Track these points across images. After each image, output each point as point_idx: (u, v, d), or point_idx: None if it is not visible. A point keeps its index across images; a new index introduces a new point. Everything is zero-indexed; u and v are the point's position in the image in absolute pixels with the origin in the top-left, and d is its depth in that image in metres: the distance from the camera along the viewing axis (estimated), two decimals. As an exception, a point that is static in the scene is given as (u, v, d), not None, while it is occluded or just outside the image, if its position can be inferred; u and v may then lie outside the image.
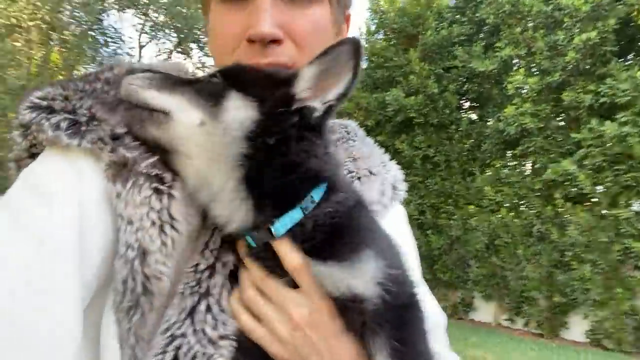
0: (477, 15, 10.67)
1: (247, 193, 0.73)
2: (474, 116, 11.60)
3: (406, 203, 1.14)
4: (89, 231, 0.72)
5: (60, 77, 9.78)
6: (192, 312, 0.75)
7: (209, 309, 0.76)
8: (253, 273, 0.78)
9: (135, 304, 0.73)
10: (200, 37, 10.09)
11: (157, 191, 0.74)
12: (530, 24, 9.42)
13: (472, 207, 10.52)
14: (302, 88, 0.75)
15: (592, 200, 8.94)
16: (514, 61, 9.90)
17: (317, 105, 0.75)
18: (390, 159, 1.13)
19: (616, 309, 8.26)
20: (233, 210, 0.75)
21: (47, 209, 0.70)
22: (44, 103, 0.76)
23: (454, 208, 10.73)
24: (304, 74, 0.76)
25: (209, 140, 0.73)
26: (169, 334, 0.73)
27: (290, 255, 0.75)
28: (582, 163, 8.65)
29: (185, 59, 10.61)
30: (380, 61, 12.01)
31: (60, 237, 0.69)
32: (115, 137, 0.75)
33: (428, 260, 10.88)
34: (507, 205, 9.96)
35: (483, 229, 9.97)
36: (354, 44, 0.75)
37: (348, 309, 0.74)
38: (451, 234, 10.50)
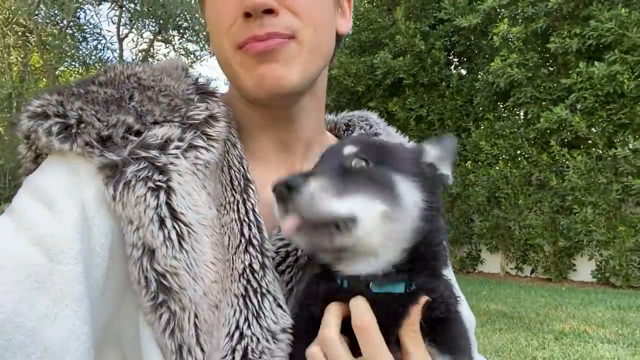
0: (457, -31, 10.46)
1: (403, 259, 0.73)
2: (463, 72, 11.51)
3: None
4: (94, 232, 0.72)
5: (44, 80, 9.67)
6: (259, 310, 0.76)
7: (270, 306, 0.77)
8: (326, 327, 0.72)
9: (155, 303, 0.73)
10: (180, 23, 9.91)
11: (152, 189, 0.73)
12: (511, -28, 9.26)
13: (469, 162, 10.58)
14: (429, 162, 0.81)
15: (588, 142, 8.98)
16: (498, 12, 9.74)
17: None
18: (387, 124, 1.11)
19: (621, 246, 8.39)
20: (381, 269, 0.73)
21: (51, 213, 0.70)
22: (39, 110, 0.75)
23: (452, 166, 10.77)
24: (430, 152, 0.82)
25: (391, 226, 0.71)
26: (237, 333, 0.74)
27: (361, 309, 0.70)
28: (574, 107, 8.65)
29: (167, 47, 10.44)
30: (365, 24, 11.84)
31: (67, 239, 0.68)
32: (102, 140, 0.74)
33: (432, 219, 11.01)
34: (504, 157, 10.01)
35: (482, 183, 10.04)
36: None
37: None
38: (452, 191, 10.58)
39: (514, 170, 9.69)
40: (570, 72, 8.57)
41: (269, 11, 0.79)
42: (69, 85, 0.81)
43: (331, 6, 0.91)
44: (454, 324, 0.76)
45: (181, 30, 9.94)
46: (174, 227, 0.73)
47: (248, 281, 0.78)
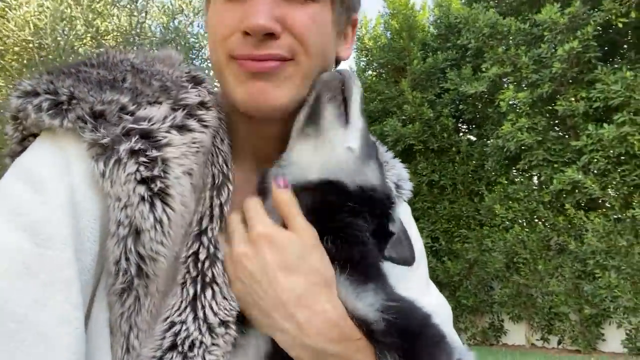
0: (459, 41, 10.88)
1: None
2: (472, 138, 11.63)
3: (419, 231, 1.13)
4: (84, 215, 0.69)
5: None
6: (194, 300, 0.74)
7: (213, 296, 0.75)
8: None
9: (128, 287, 0.71)
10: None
11: (144, 165, 0.71)
12: (512, 42, 9.58)
13: (485, 227, 10.38)
14: None
15: (605, 204, 8.80)
16: (503, 80, 9.99)
17: None
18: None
19: (651, 312, 7.96)
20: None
21: (39, 196, 0.68)
22: (29, 88, 0.74)
23: (466, 231, 10.59)
24: None
25: None
26: (168, 320, 0.72)
27: (279, 190, 0.79)
28: (587, 169, 8.57)
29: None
30: (373, 95, 12.19)
31: (55, 223, 0.67)
32: (95, 115, 0.72)
33: (449, 287, 10.64)
34: (520, 221, 9.82)
35: (499, 248, 9.77)
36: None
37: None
38: (468, 257, 10.31)
39: (531, 235, 9.45)
40: (580, 134, 8.59)
41: (270, 34, 0.80)
42: (62, 65, 0.81)
43: (331, 33, 0.91)
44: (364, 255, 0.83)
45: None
46: (164, 211, 0.71)
47: (188, 269, 0.76)
